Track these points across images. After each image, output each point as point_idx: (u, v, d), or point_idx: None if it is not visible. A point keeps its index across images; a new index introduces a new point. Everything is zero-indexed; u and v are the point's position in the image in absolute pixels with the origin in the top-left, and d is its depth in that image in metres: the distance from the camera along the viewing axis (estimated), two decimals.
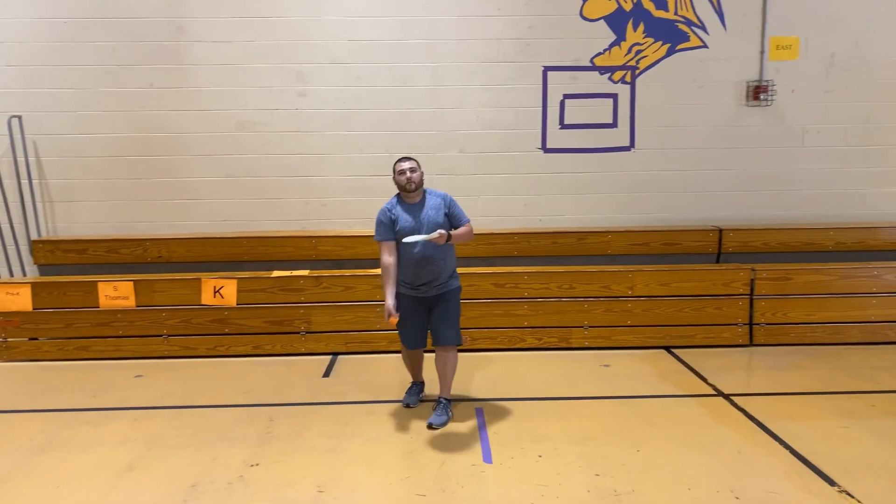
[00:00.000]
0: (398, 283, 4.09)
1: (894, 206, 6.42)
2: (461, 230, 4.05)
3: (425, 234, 3.92)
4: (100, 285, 5.42)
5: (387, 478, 3.40)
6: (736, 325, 5.66)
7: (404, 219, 4.01)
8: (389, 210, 4.06)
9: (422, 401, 4.44)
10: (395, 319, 3.97)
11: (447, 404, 4.14)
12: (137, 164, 6.12)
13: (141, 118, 6.06)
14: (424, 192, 4.09)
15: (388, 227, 4.04)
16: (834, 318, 5.67)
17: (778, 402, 4.42)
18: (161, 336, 5.48)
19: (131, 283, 5.43)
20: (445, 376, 4.15)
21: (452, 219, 4.08)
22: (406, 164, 4.02)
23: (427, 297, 4.09)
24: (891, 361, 5.24)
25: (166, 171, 6.14)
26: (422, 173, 4.06)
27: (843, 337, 5.65)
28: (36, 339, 5.55)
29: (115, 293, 5.41)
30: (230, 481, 3.37)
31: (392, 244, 4.05)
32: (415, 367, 4.44)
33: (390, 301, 3.97)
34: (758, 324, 5.67)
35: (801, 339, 5.66)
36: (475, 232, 4.28)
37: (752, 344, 5.67)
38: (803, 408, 4.31)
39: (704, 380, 4.84)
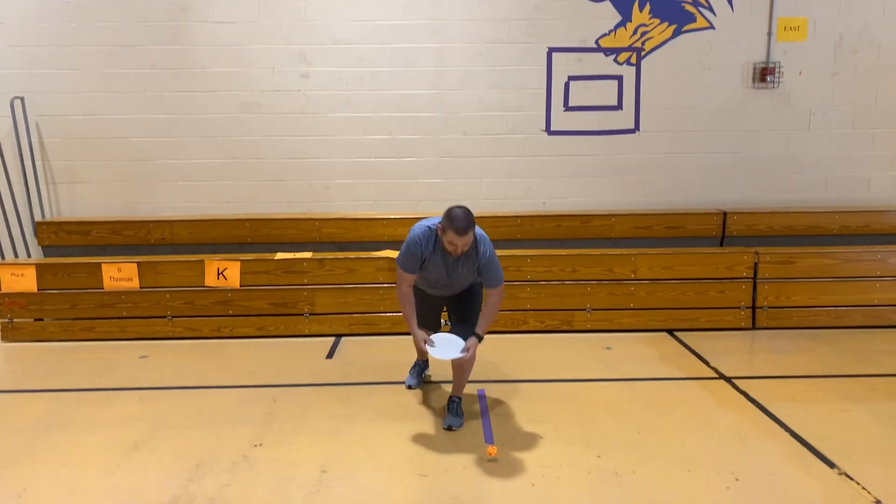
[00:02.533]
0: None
1: None
2: (490, 314, 3.63)
3: (452, 289, 3.73)
4: (104, 266, 5.44)
5: (389, 458, 3.43)
6: (739, 308, 5.66)
7: (437, 265, 3.60)
8: (423, 247, 3.55)
9: (425, 382, 4.46)
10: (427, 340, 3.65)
11: (460, 403, 3.86)
12: (141, 145, 6.11)
13: (144, 99, 6.04)
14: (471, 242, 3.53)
15: (416, 261, 3.60)
16: (837, 302, 5.66)
17: (779, 385, 4.44)
18: (165, 317, 5.50)
19: (135, 264, 5.44)
20: (462, 375, 3.83)
21: (483, 280, 3.67)
22: (460, 241, 3.36)
23: (443, 297, 3.93)
24: (893, 345, 5.23)
25: (170, 153, 6.14)
26: (474, 248, 3.53)
27: (846, 321, 5.64)
28: (41, 319, 5.59)
29: (120, 274, 5.43)
30: (234, 461, 3.40)
31: (414, 277, 3.69)
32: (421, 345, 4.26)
33: (419, 334, 3.62)
34: (761, 307, 5.66)
35: (804, 323, 5.65)
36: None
37: (754, 327, 5.67)
38: (805, 391, 4.32)
39: (706, 363, 4.85)
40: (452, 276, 3.66)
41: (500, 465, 3.35)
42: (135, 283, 5.46)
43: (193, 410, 4.05)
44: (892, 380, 4.51)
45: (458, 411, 3.85)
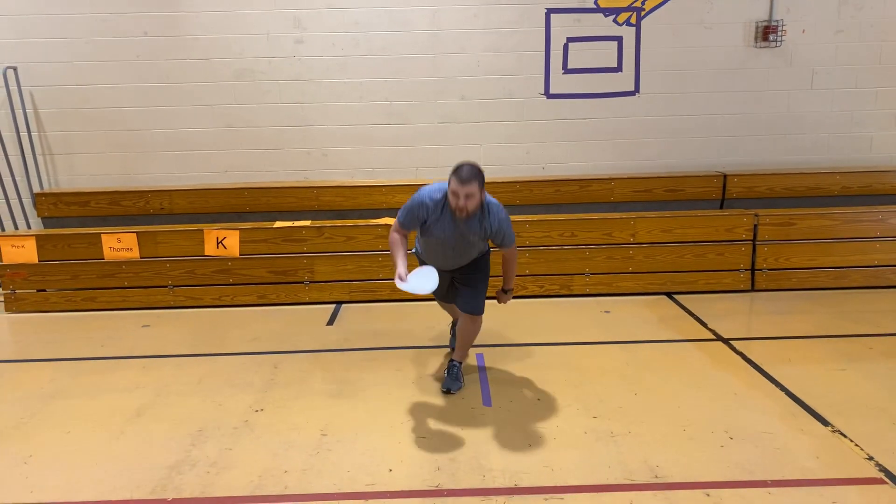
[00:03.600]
0: (417, 248, 3.83)
1: None
2: (511, 269, 3.71)
3: (458, 251, 3.55)
4: (104, 237, 5.45)
5: (388, 421, 3.48)
6: (738, 270, 5.66)
7: (444, 229, 3.45)
8: (429, 210, 3.42)
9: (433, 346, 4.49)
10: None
11: (460, 367, 3.89)
12: (136, 114, 6.07)
13: (137, 67, 5.98)
14: (485, 206, 3.42)
15: (413, 222, 3.49)
16: (837, 263, 5.66)
17: (777, 346, 4.46)
18: (166, 287, 5.54)
19: (134, 234, 5.46)
20: (464, 343, 3.87)
21: (496, 243, 3.56)
22: (462, 189, 3.21)
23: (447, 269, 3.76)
24: (892, 305, 5.25)
25: (165, 122, 6.10)
26: (482, 195, 3.32)
27: (845, 281, 5.65)
28: (44, 290, 5.63)
29: (119, 245, 5.45)
30: (235, 426, 3.46)
31: (405, 234, 3.57)
32: (453, 311, 4.22)
33: (401, 269, 3.37)
34: (760, 269, 5.66)
35: (803, 284, 5.66)
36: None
37: (753, 289, 5.68)
38: (802, 351, 4.35)
39: (705, 325, 4.88)
40: (459, 241, 3.50)
41: (496, 427, 3.40)
42: (135, 253, 5.47)
43: (195, 377, 4.10)
44: (889, 339, 4.53)
45: (458, 375, 3.87)
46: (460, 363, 3.93)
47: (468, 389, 3.85)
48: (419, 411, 3.60)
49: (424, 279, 3.41)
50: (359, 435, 3.35)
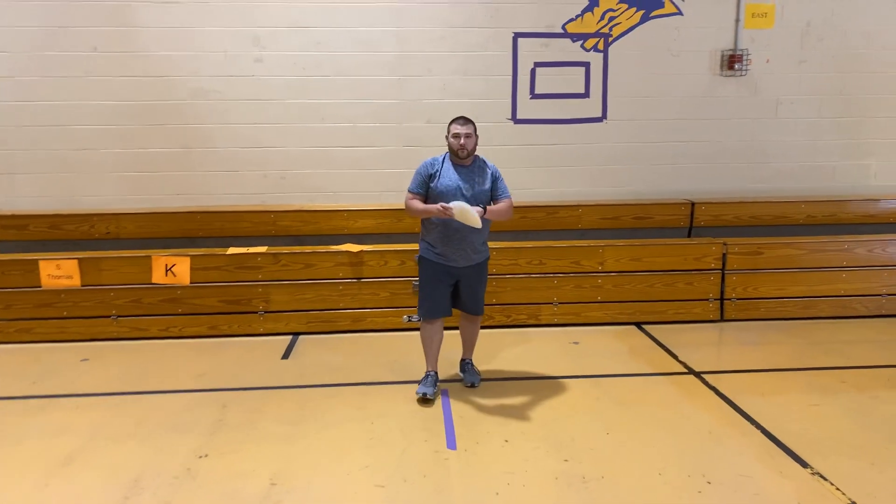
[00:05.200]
0: (424, 246, 4.00)
1: (864, 179, 6.36)
2: (499, 206, 3.90)
3: (470, 201, 3.74)
4: (41, 263, 5.08)
5: (344, 467, 3.22)
6: (707, 300, 5.57)
7: (449, 177, 3.83)
8: (432, 164, 3.88)
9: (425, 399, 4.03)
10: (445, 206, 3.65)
11: (472, 363, 4.33)
12: (84, 133, 5.73)
13: (86, 84, 5.66)
14: (477, 158, 3.93)
15: (423, 182, 3.86)
16: (804, 293, 5.61)
17: (749, 379, 4.34)
18: (109, 317, 5.18)
19: (75, 261, 5.10)
20: (472, 340, 4.29)
21: (494, 190, 3.93)
22: (461, 129, 3.80)
23: (456, 267, 3.92)
24: (860, 335, 5.20)
25: (115, 142, 5.77)
26: (477, 139, 3.87)
27: (813, 311, 5.60)
28: None
29: (59, 272, 5.08)
30: (176, 475, 3.15)
31: (420, 199, 3.88)
32: (433, 347, 4.06)
33: (435, 207, 3.69)
34: (729, 299, 5.58)
35: (772, 314, 5.59)
36: None
37: (722, 319, 5.58)
38: (774, 385, 4.24)
39: (675, 357, 4.74)
40: (472, 183, 3.82)
41: (462, 473, 3.16)
42: (75, 281, 5.11)
43: (135, 418, 3.77)
44: (860, 372, 4.45)
45: (474, 370, 4.29)
46: (471, 360, 4.33)
47: (431, 430, 3.61)
48: (379, 455, 3.34)
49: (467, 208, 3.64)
50: (311, 483, 3.08)
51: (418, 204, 3.85)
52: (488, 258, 4.12)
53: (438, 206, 3.66)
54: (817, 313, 5.60)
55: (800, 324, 5.48)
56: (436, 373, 4.12)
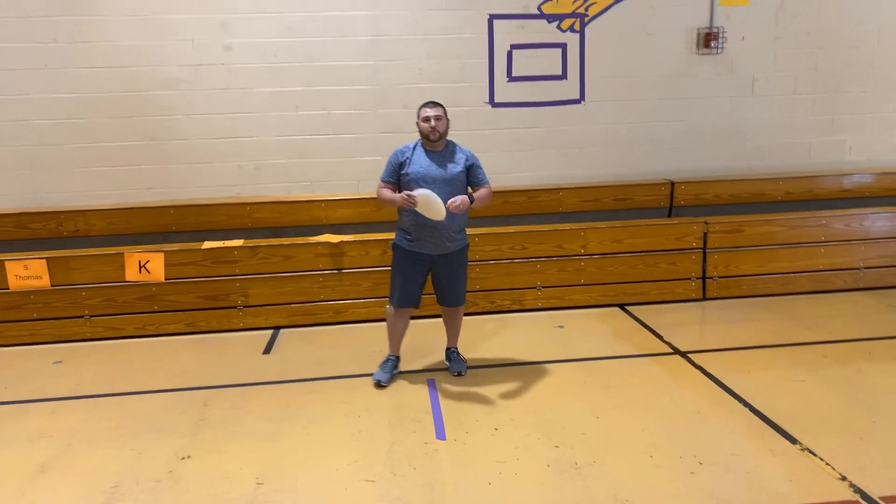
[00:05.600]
0: (398, 234, 3.93)
1: (839, 154, 6.41)
2: (482, 193, 3.81)
3: (443, 186, 3.64)
4: (7, 264, 4.89)
5: (332, 463, 3.15)
6: (689, 279, 5.58)
7: (420, 163, 3.75)
8: (403, 152, 3.81)
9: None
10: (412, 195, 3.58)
11: (457, 351, 4.28)
12: (47, 128, 5.52)
13: (47, 77, 5.44)
14: (448, 142, 3.86)
15: (394, 170, 3.81)
16: (784, 269, 5.65)
17: (734, 357, 4.35)
18: (82, 317, 5.02)
19: (44, 260, 4.92)
20: (456, 329, 4.24)
21: (472, 177, 3.84)
22: (431, 111, 3.73)
23: (430, 255, 3.83)
24: (839, 309, 5.25)
25: (81, 136, 5.57)
26: (448, 122, 3.80)
27: (793, 287, 5.64)
28: None
29: (27, 272, 4.90)
30: (158, 479, 3.05)
31: (391, 188, 3.82)
32: (397, 334, 4.11)
33: (400, 196, 3.64)
34: (710, 277, 5.60)
35: (753, 291, 5.62)
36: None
37: (705, 298, 5.60)
38: (759, 362, 4.25)
39: (660, 337, 4.74)
40: (444, 167, 3.74)
41: (453, 463, 3.11)
42: (45, 282, 4.94)
43: (113, 421, 3.65)
44: (841, 346, 4.49)
45: (460, 359, 4.23)
46: (456, 348, 4.28)
47: (420, 421, 3.55)
48: (367, 449, 3.27)
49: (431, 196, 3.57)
50: (299, 482, 3.01)
51: (387, 193, 3.79)
52: (467, 246, 4.02)
53: (403, 194, 3.61)
54: (797, 289, 5.64)
55: (780, 300, 5.51)
56: (397, 357, 4.19)
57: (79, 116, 5.52)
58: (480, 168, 3.88)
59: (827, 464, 3.02)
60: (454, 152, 3.84)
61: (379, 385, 3.97)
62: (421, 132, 3.79)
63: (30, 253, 5.10)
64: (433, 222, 3.67)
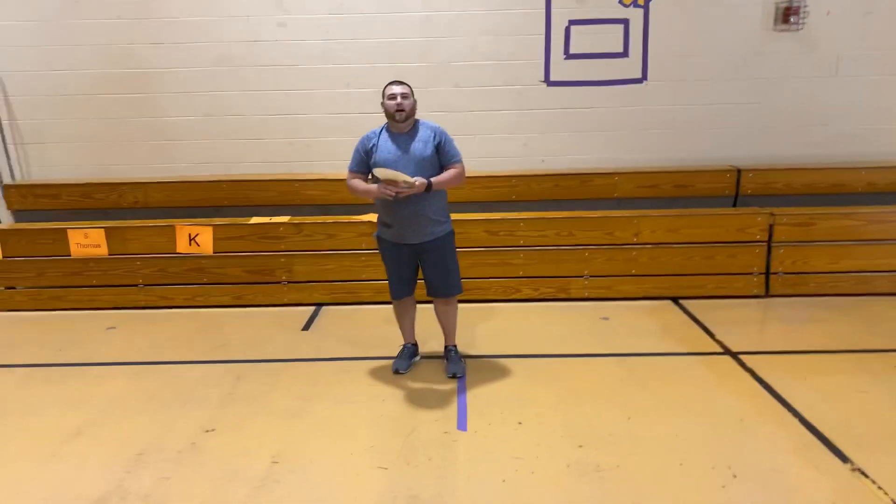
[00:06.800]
0: (379, 225, 3.79)
1: None
2: (446, 175, 3.57)
3: (414, 171, 3.49)
4: (70, 233, 5.14)
5: (348, 447, 3.13)
6: (751, 274, 5.21)
7: (386, 148, 3.57)
8: (370, 138, 3.64)
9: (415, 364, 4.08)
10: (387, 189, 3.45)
11: (456, 350, 4.01)
12: (111, 102, 5.73)
13: (111, 53, 5.63)
14: (416, 122, 3.65)
15: (362, 159, 3.65)
16: (860, 267, 5.18)
17: (791, 361, 4.03)
18: (136, 286, 5.22)
19: (102, 230, 5.14)
20: (449, 326, 3.96)
21: (442, 155, 3.62)
22: (397, 89, 3.55)
23: (412, 244, 3.67)
24: None
25: (141, 110, 5.75)
26: (414, 101, 3.61)
27: (869, 287, 5.18)
28: (13, 287, 5.34)
29: (87, 241, 5.13)
30: (180, 450, 3.12)
31: (362, 178, 3.68)
32: (405, 323, 4.03)
33: (375, 188, 3.50)
34: (775, 273, 5.21)
35: (823, 290, 5.19)
36: (470, 174, 3.86)
37: (767, 294, 5.23)
38: (818, 367, 3.92)
39: (712, 335, 4.45)
40: (410, 151, 3.55)
41: (469, 457, 3.03)
42: (103, 250, 5.16)
43: (149, 390, 3.77)
44: None
45: (457, 358, 3.94)
46: (455, 346, 4.00)
47: (443, 410, 3.48)
48: (386, 435, 3.24)
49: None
50: (313, 463, 3.00)
51: (359, 183, 3.64)
52: (452, 233, 3.78)
53: (380, 185, 3.44)
54: (873, 289, 5.17)
55: (853, 300, 5.07)
56: (413, 345, 4.09)
57: (139, 91, 5.70)
58: (450, 142, 3.64)
59: (879, 487, 2.74)
60: (420, 131, 3.61)
61: (398, 373, 3.91)
62: (386, 111, 3.57)
63: (94, 222, 5.33)
64: (410, 206, 3.52)
